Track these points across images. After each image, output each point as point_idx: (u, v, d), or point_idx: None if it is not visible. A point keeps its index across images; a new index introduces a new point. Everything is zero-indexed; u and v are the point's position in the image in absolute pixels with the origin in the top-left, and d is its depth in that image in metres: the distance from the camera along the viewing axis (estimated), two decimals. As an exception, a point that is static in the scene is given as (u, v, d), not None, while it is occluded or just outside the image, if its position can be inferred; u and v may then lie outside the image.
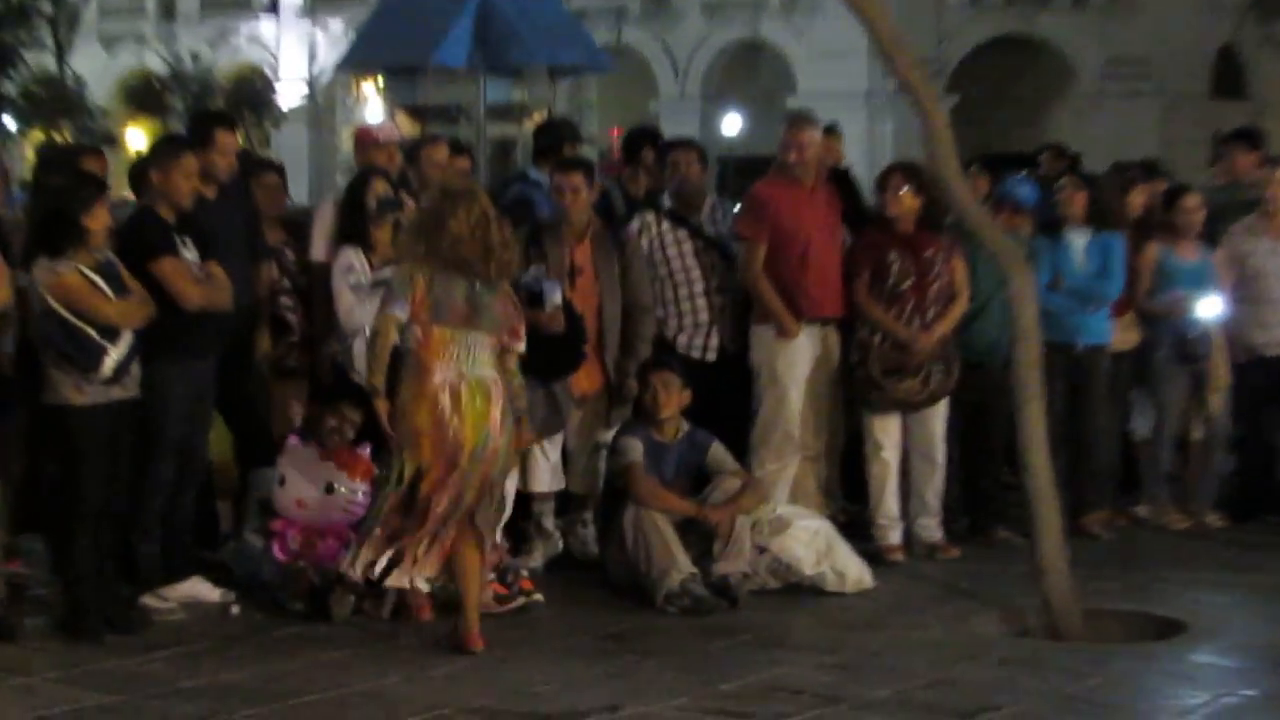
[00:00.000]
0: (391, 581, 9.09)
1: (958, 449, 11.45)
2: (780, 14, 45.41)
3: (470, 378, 8.77)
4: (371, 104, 40.20)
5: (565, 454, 10.83)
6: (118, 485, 9.29)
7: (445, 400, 8.69)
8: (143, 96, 47.68)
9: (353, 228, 10.50)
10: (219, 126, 10.69)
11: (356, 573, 9.00)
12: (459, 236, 8.76)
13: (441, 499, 8.74)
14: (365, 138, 11.97)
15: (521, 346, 9.06)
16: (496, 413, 8.83)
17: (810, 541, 10.18)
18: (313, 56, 50.03)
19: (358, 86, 44.73)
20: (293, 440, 10.11)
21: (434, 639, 9.24)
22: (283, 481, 9.96)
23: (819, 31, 43.04)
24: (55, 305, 8.92)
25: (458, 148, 12.71)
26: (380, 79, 38.36)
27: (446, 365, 8.73)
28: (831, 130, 12.55)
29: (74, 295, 8.93)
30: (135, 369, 9.14)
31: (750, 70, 46.27)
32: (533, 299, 10.20)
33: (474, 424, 8.74)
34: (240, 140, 10.71)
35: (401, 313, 8.71)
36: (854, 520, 11.19)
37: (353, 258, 10.40)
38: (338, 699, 8.18)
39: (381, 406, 8.76)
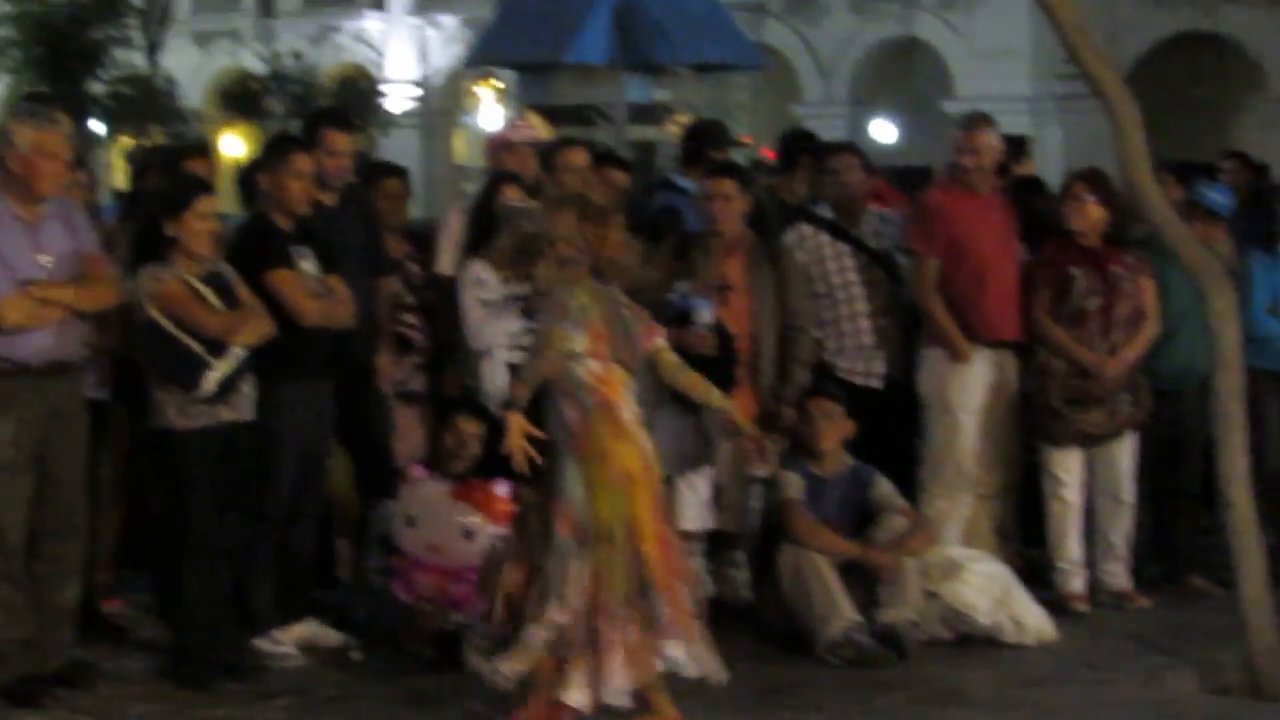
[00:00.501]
0: (573, 699, 7.94)
1: (1147, 487, 11.09)
2: (936, 9, 44.30)
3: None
4: (489, 107, 40.10)
5: (716, 489, 10.49)
6: (229, 518, 9.16)
7: (647, 443, 8.19)
8: (239, 98, 47.26)
9: (481, 239, 10.40)
10: (328, 125, 10.65)
11: (503, 678, 8.02)
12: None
13: (670, 563, 8.10)
14: (498, 138, 11.86)
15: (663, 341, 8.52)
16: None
17: (985, 587, 9.93)
18: (423, 56, 49.63)
19: (473, 89, 44.84)
20: (418, 471, 10.00)
21: None
22: (413, 522, 9.81)
23: (979, 29, 42.44)
24: (156, 315, 8.87)
25: (611, 158, 12.58)
26: (498, 81, 38.27)
27: (628, 406, 8.17)
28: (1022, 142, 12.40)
29: (176, 305, 8.86)
30: (247, 390, 9.03)
31: (903, 72, 45.72)
32: (681, 318, 10.09)
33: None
34: (357, 141, 10.36)
35: (577, 337, 8.00)
36: (1032, 565, 10.86)
37: (482, 271, 10.35)
38: None
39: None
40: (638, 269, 8.61)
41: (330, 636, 9.65)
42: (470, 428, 9.92)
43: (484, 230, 10.45)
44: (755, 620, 10.12)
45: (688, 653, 8.04)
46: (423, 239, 11.31)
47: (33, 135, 8.70)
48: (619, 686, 7.83)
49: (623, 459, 8.00)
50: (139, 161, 11.88)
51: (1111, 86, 9.40)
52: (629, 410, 8.14)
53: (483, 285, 10.33)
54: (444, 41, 47.69)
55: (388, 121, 49.04)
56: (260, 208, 9.85)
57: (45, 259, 8.68)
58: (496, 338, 10.26)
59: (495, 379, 10.31)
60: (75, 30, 41.30)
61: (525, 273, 8.51)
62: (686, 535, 10.39)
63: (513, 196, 10.48)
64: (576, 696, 7.82)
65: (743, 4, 37.81)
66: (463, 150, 31.43)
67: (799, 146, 12.30)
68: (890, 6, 44.89)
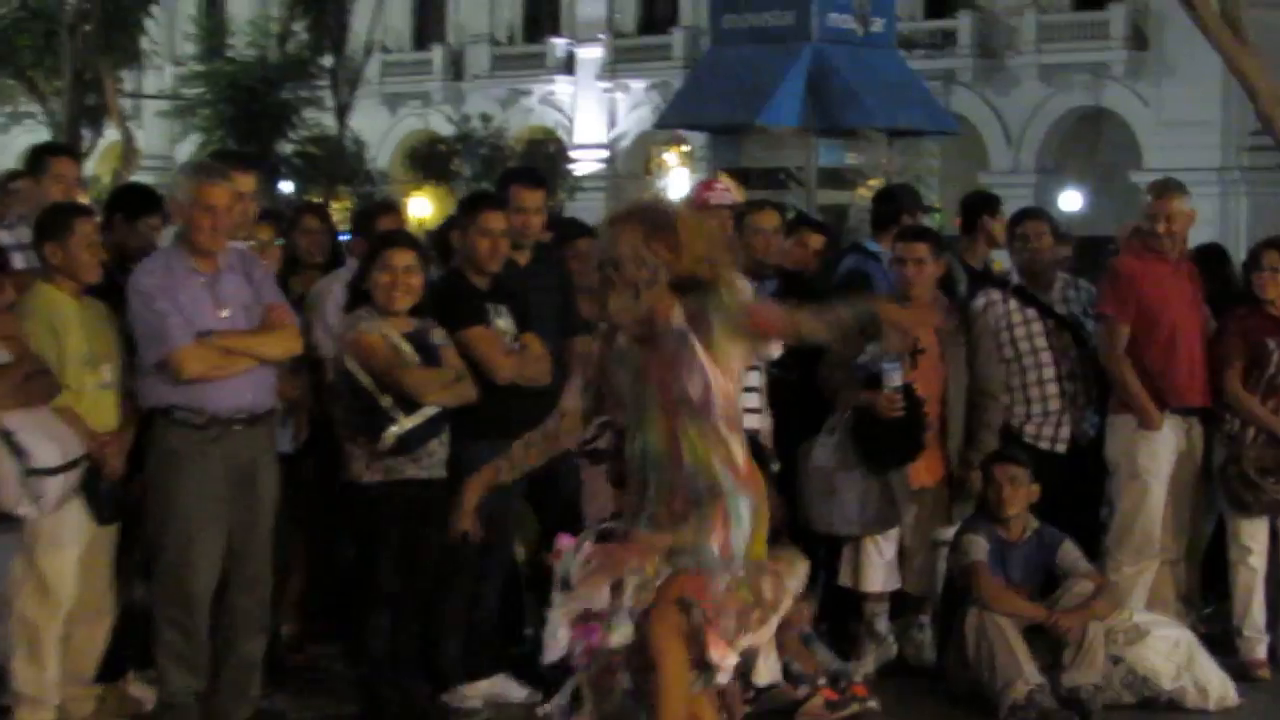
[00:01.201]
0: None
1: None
2: (1125, 80, 43.78)
3: None
4: (676, 170, 40.16)
5: (901, 551, 10.50)
6: (418, 573, 9.26)
7: None
8: (427, 160, 47.24)
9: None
10: (518, 183, 10.63)
11: None
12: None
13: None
14: (700, 193, 11.74)
15: None
16: None
17: (1170, 653, 9.81)
18: (611, 120, 49.40)
19: (661, 153, 44.94)
20: (566, 541, 9.89)
21: None
22: (571, 587, 9.71)
23: (1168, 100, 41.91)
24: (350, 365, 8.99)
25: (807, 220, 12.61)
26: (685, 145, 38.33)
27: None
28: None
29: (371, 357, 8.94)
30: (437, 448, 9.11)
31: (1091, 142, 44.96)
32: (870, 380, 10.14)
33: None
34: (546, 200, 10.88)
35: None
36: (1213, 632, 10.69)
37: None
38: None
39: None
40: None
41: (519, 692, 9.64)
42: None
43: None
44: (939, 682, 10.06)
45: None
46: None
47: (192, 189, 8.84)
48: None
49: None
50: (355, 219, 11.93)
51: None
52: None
53: None
54: (631, 105, 47.53)
55: (575, 185, 48.68)
56: (455, 266, 9.96)
57: (224, 312, 8.77)
58: None
59: None
60: (265, 90, 41.68)
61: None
62: (874, 596, 10.48)
63: None
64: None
65: (932, 72, 37.38)
66: None
67: (981, 209, 12.20)
68: (1079, 76, 44.38)
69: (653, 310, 7.12)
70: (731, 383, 7.03)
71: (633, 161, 47.00)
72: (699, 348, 7.00)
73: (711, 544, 6.88)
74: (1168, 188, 10.93)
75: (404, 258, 9.32)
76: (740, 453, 7.08)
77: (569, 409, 7.51)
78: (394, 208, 12.42)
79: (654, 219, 7.20)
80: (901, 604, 10.66)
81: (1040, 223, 11.52)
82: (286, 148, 39.60)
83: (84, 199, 11.16)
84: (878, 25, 17.65)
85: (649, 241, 7.08)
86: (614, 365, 7.26)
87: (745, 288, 7.71)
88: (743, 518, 7.00)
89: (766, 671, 8.41)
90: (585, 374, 7.47)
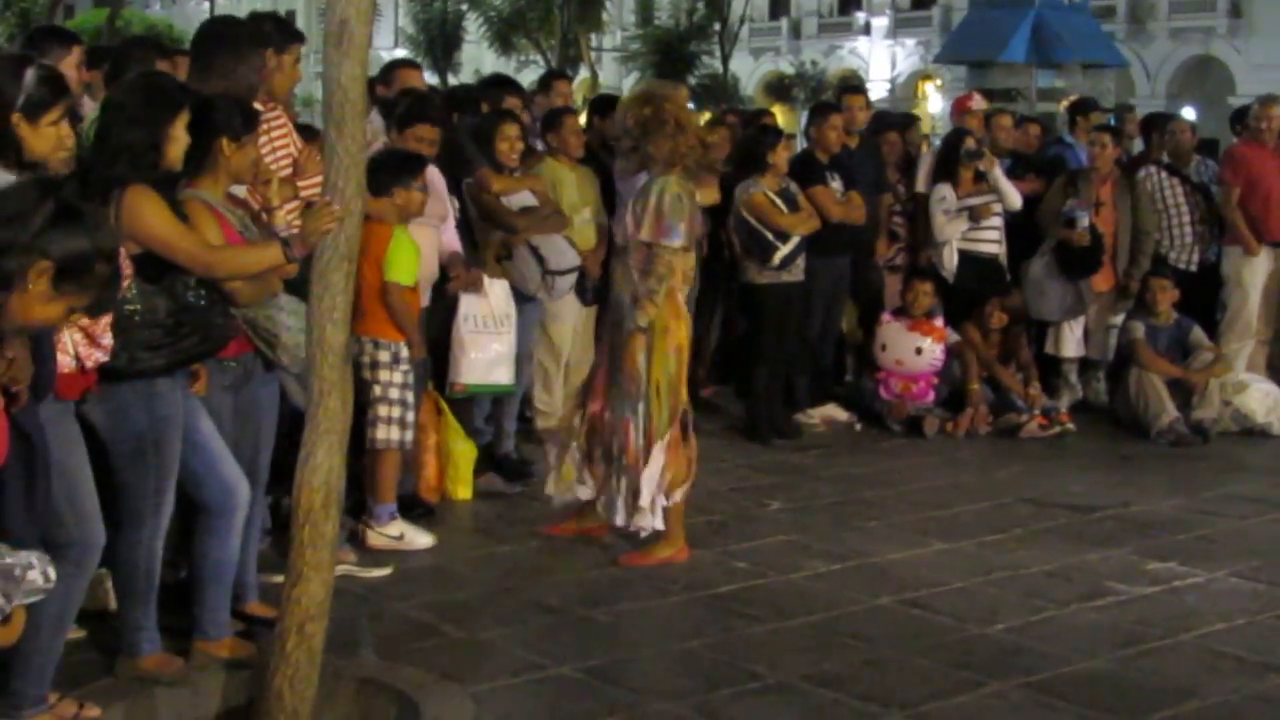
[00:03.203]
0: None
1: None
2: (1227, 36, 45.70)
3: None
4: (933, 98, 43.43)
5: (1085, 330, 11.08)
6: (785, 340, 9.84)
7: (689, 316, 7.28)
8: (777, 90, 50.66)
9: (945, 169, 10.81)
10: (849, 93, 11.42)
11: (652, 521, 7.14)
12: (695, 134, 7.27)
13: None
14: (960, 105, 12.26)
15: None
16: None
17: (1262, 399, 10.47)
18: (894, 64, 52.04)
19: (924, 85, 48.50)
20: (886, 316, 10.53)
21: (994, 449, 9.89)
22: (885, 347, 10.46)
23: (1255, 50, 43.62)
24: (746, 215, 9.55)
25: (1031, 119, 13.09)
26: (937, 80, 41.54)
27: (686, 289, 7.29)
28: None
29: (758, 209, 9.51)
30: (801, 262, 9.63)
31: (1202, 77, 46.06)
32: (1068, 222, 10.62)
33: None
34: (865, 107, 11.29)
35: (680, 241, 7.03)
36: None
37: (945, 190, 10.71)
38: (930, 488, 8.84)
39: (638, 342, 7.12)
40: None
41: (843, 414, 10.55)
42: (925, 287, 10.48)
43: (946, 164, 10.84)
44: (1110, 415, 10.73)
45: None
46: (909, 168, 11.59)
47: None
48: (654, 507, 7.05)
49: (677, 335, 7.06)
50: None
51: None
52: (684, 292, 7.20)
53: (944, 200, 10.72)
54: (905, 56, 50.60)
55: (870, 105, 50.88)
56: (807, 149, 10.60)
57: None
58: (953, 233, 10.70)
59: (949, 263, 10.77)
60: (678, 45, 44.94)
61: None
62: (1068, 360, 11.06)
63: (970, 142, 10.84)
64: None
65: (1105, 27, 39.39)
66: (924, 121, 36.35)
67: (1154, 125, 12.30)
68: (1195, 34, 46.16)
69: (630, 170, 7.20)
70: (651, 240, 6.90)
71: (907, 89, 50.32)
72: (631, 206, 7.02)
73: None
74: (1269, 100, 11.53)
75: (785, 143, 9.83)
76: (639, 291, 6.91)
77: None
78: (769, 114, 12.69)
79: (644, 105, 7.14)
80: (1086, 364, 11.26)
81: (1183, 122, 12.08)
82: (690, 81, 42.86)
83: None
84: None
85: (634, 120, 7.05)
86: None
87: (689, 187, 7.17)
88: (638, 349, 7.04)
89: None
90: None
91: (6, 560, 3.66)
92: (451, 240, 8.08)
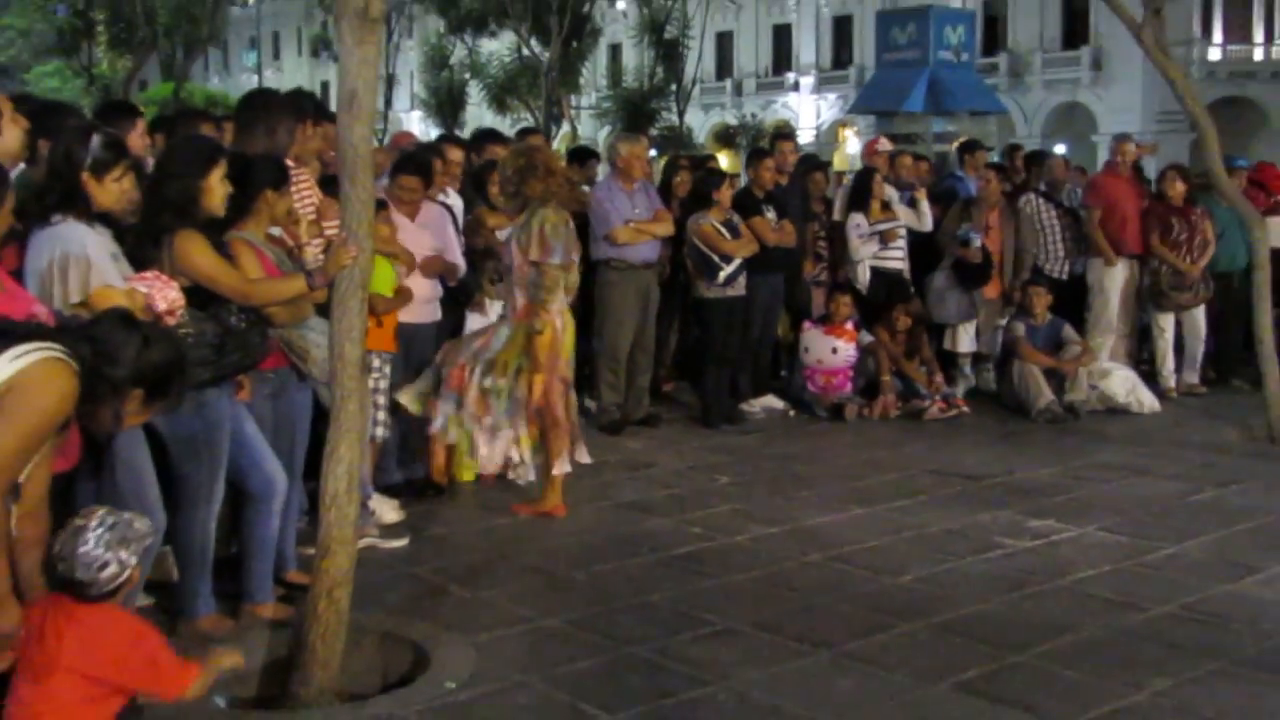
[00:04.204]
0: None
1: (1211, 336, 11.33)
2: (1090, 85, 45.40)
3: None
4: (850, 141, 44.09)
5: (977, 330, 11.01)
6: (730, 343, 9.75)
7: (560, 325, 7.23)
8: (724, 138, 51.13)
9: (858, 201, 10.73)
10: (781, 139, 11.28)
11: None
12: (562, 175, 7.30)
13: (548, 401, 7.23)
14: (870, 148, 12.20)
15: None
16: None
17: (1123, 382, 10.42)
18: (818, 114, 52.42)
19: (842, 131, 49.14)
20: (806, 324, 10.44)
21: (902, 429, 9.66)
22: (806, 350, 10.37)
23: (1114, 95, 43.51)
24: (696, 241, 9.44)
25: (923, 158, 12.87)
26: (855, 127, 42.33)
27: (557, 299, 7.19)
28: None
29: (706, 237, 9.38)
30: (742, 279, 9.53)
31: (1070, 119, 46.01)
32: (964, 243, 10.58)
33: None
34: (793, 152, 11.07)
35: (559, 259, 7.12)
36: (1146, 373, 11.06)
37: (859, 219, 10.66)
38: (851, 463, 8.64)
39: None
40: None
41: (778, 404, 10.39)
42: (845, 299, 10.35)
43: (859, 196, 10.72)
44: (998, 399, 10.62)
45: (531, 459, 7.12)
46: (828, 203, 11.37)
47: (624, 148, 9.42)
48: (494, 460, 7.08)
49: (546, 335, 7.08)
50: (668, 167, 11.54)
51: (1202, 117, 9.61)
52: (558, 302, 7.11)
53: (859, 226, 10.65)
54: (828, 107, 50.63)
55: (799, 149, 51.17)
56: (747, 186, 10.44)
57: (637, 210, 9.28)
58: (865, 254, 10.61)
59: (863, 277, 10.53)
60: (644, 103, 44.81)
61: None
62: (962, 355, 10.81)
63: (878, 180, 10.74)
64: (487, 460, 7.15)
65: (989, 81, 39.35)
66: (841, 160, 36.57)
67: (1031, 158, 12.25)
68: (1063, 84, 45.63)
69: (514, 210, 7.27)
70: (528, 263, 7.02)
71: (829, 135, 50.63)
72: (516, 238, 7.11)
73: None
74: (1122, 139, 11.66)
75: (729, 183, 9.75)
76: (521, 302, 7.08)
77: None
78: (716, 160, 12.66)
79: (519, 157, 7.24)
80: (977, 358, 11.18)
81: (1058, 159, 12.11)
82: (652, 132, 43.12)
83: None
84: (964, 57, 17.95)
85: (513, 170, 7.15)
86: None
87: (564, 216, 7.21)
88: (503, 335, 7.11)
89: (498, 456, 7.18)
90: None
91: (123, 517, 3.59)
92: (455, 257, 7.92)
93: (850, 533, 7.02)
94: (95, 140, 4.64)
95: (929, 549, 6.75)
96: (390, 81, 50.01)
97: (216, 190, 5.07)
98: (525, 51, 45.47)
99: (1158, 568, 6.46)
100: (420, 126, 52.32)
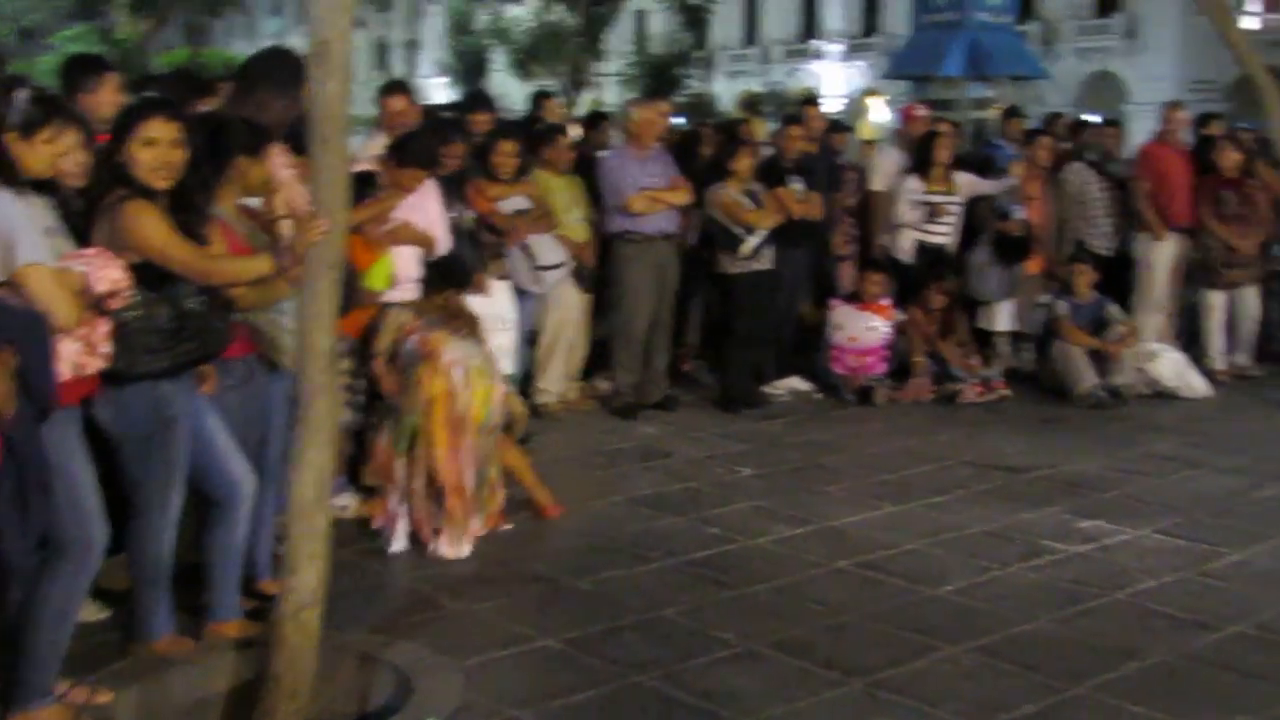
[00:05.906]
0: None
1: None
2: (1123, 53, 44.04)
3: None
4: (875, 108, 43.34)
5: (1017, 308, 10.60)
6: (758, 320, 9.38)
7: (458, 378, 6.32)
8: (751, 104, 50.84)
9: (919, 165, 10.27)
10: (807, 105, 11.04)
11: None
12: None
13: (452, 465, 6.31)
14: (908, 114, 11.69)
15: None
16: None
17: (1171, 365, 10.14)
18: (846, 81, 51.52)
19: (866, 99, 48.55)
20: (835, 302, 10.04)
21: (936, 414, 9.30)
22: (839, 328, 9.92)
23: (1147, 63, 42.26)
24: (715, 212, 9.21)
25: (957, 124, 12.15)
26: (881, 94, 41.75)
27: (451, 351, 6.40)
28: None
29: (726, 207, 9.17)
30: (769, 251, 9.24)
31: (1102, 88, 44.72)
32: (1003, 215, 10.26)
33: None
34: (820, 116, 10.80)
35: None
36: (1195, 355, 10.67)
37: (914, 182, 10.21)
38: (881, 453, 8.25)
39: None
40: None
41: (804, 386, 9.98)
42: (877, 277, 9.91)
43: (921, 161, 10.23)
44: (1036, 381, 10.17)
45: (447, 536, 6.14)
46: (859, 169, 11.04)
47: (637, 113, 9.16)
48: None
49: (429, 389, 6.15)
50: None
51: (1266, 83, 9.17)
52: (450, 354, 6.22)
53: (911, 190, 10.17)
54: (858, 73, 49.57)
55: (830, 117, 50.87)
56: (773, 154, 10.10)
57: (651, 178, 8.93)
58: (912, 220, 10.16)
59: (903, 246, 10.20)
60: (669, 69, 44.59)
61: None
62: (999, 334, 10.36)
63: (942, 144, 10.20)
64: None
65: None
66: (866, 129, 36.22)
67: (1078, 126, 12.06)
68: (1096, 52, 44.29)
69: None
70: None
71: (856, 103, 49.98)
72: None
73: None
74: (1175, 105, 11.19)
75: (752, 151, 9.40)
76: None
77: None
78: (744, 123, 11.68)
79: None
80: (1016, 337, 10.77)
81: (1110, 128, 11.66)
82: (678, 101, 43.17)
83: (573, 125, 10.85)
84: (1005, 19, 17.61)
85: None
86: None
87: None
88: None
89: None
90: None
91: None
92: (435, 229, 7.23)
93: (882, 535, 6.52)
94: (21, 95, 4.12)
95: (969, 554, 6.24)
96: (413, 47, 49.56)
97: (140, 156, 4.45)
98: (549, 17, 44.65)
99: (1225, 578, 5.97)
100: (444, 93, 51.86)
